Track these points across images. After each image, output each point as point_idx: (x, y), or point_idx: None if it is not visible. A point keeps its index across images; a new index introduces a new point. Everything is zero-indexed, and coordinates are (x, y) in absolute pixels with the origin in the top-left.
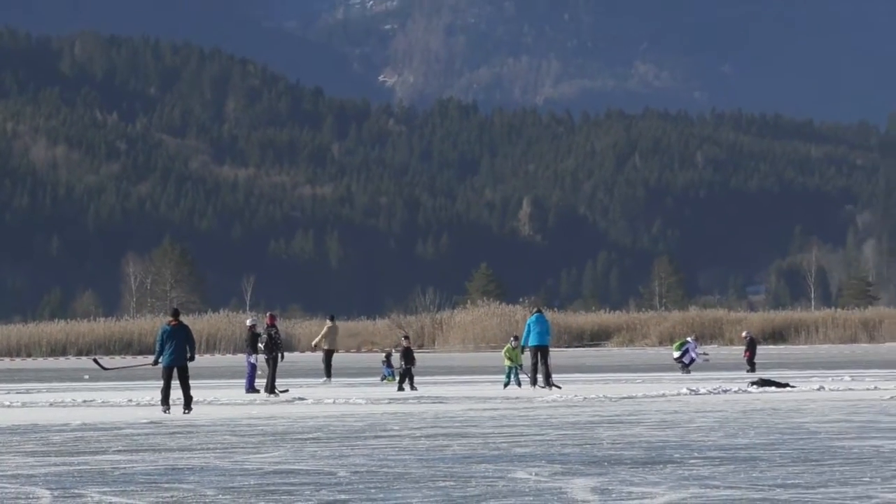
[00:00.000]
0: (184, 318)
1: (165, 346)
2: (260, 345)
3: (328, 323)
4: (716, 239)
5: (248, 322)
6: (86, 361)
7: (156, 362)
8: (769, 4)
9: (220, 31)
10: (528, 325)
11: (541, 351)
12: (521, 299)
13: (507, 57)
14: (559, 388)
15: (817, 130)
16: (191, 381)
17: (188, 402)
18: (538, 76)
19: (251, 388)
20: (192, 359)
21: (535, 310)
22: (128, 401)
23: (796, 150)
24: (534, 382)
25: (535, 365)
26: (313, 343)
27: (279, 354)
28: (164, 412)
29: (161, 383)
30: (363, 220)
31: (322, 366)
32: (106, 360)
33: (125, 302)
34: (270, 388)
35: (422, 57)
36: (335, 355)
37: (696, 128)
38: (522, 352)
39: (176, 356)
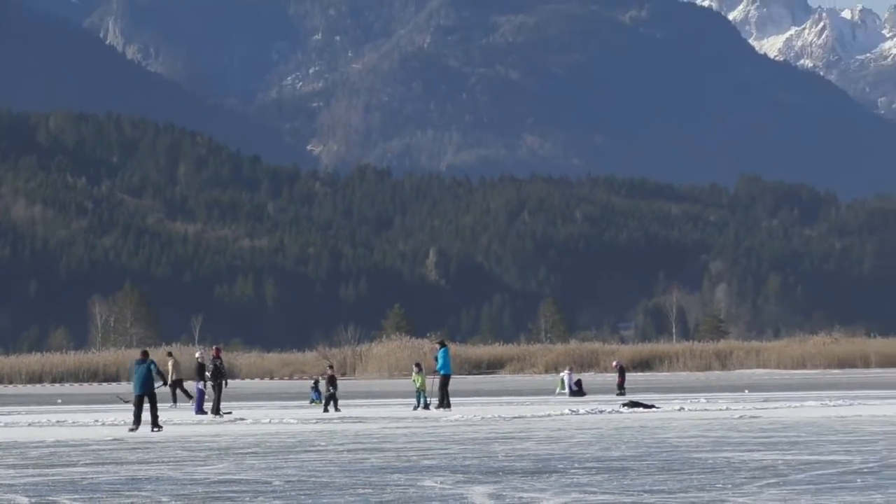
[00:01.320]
0: (138, 352)
1: (135, 377)
2: (207, 373)
3: (171, 359)
4: (592, 283)
5: (196, 355)
6: (60, 389)
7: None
8: (633, 87)
9: (172, 109)
10: (436, 357)
11: (444, 378)
12: (427, 334)
13: (416, 130)
14: (449, 409)
15: (676, 191)
16: (145, 406)
17: (155, 422)
18: (442, 146)
19: (199, 411)
20: (164, 384)
21: (440, 344)
22: (94, 421)
23: (659, 208)
24: (443, 405)
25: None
26: (167, 380)
27: (223, 381)
28: (132, 430)
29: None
30: (294, 268)
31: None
32: (81, 387)
33: (92, 337)
34: (216, 410)
35: (343, 130)
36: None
37: (575, 189)
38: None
39: (144, 386)
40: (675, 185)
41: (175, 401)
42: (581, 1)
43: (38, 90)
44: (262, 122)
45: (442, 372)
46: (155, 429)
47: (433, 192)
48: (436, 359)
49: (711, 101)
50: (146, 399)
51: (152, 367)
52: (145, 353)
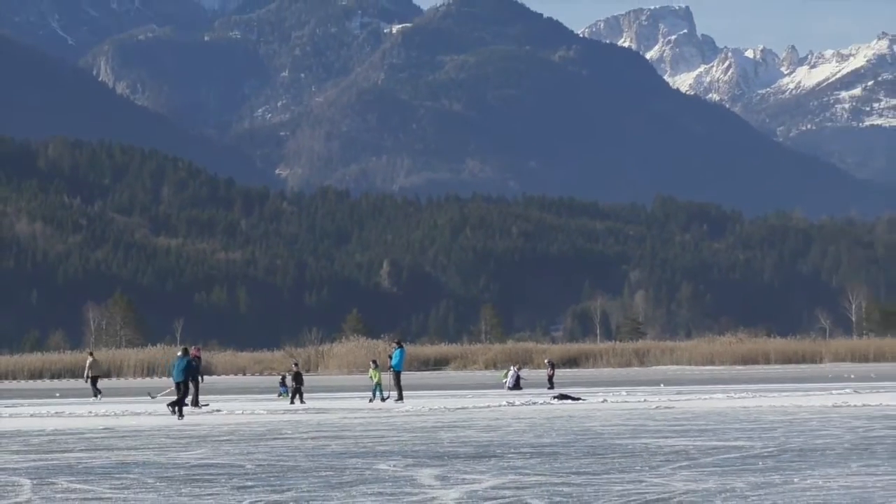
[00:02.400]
0: (129, 352)
1: (175, 369)
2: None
3: (90, 358)
4: (526, 290)
5: (178, 354)
6: (58, 384)
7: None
8: (562, 117)
9: (156, 138)
10: (391, 355)
11: (396, 374)
12: (382, 335)
13: (371, 156)
14: (402, 401)
15: (600, 210)
16: (136, 398)
17: (196, 401)
18: (394, 170)
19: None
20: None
21: (397, 344)
22: (88, 412)
23: (585, 224)
24: (400, 398)
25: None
26: (84, 376)
27: (200, 377)
28: (180, 419)
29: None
30: (264, 277)
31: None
32: (76, 383)
33: (86, 339)
34: (195, 403)
35: (307, 156)
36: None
37: (511, 208)
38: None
39: (183, 373)
40: (600, 204)
41: (95, 394)
42: (516, 42)
43: (38, 121)
44: (235, 149)
45: (395, 369)
46: (198, 407)
47: (386, 210)
48: (390, 357)
49: (631, 130)
50: (184, 385)
51: (191, 363)
52: (185, 350)
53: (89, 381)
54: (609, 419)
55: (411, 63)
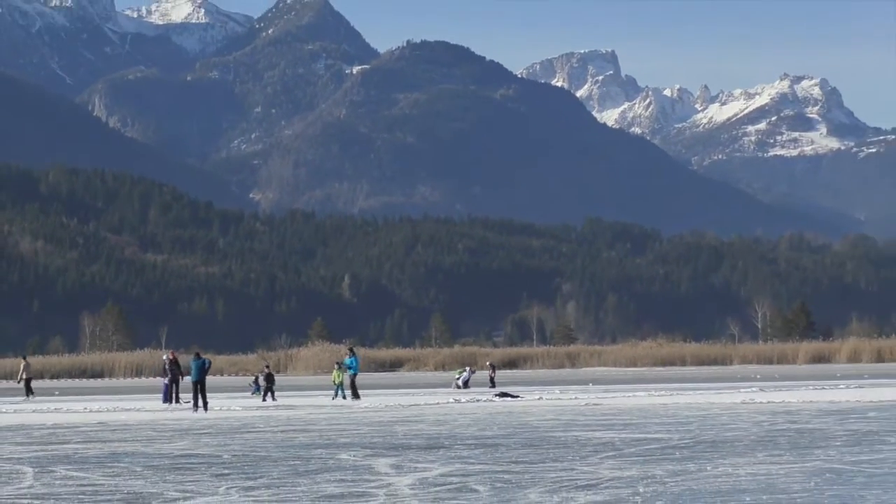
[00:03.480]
0: (119, 355)
1: (192, 370)
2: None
3: (23, 362)
4: (471, 301)
5: (164, 357)
6: (57, 383)
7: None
8: (503, 148)
9: (144, 166)
10: (342, 361)
11: (352, 377)
12: (343, 340)
13: (334, 182)
14: (359, 399)
15: (536, 229)
16: (124, 396)
17: (205, 402)
18: (354, 194)
19: (166, 400)
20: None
21: (350, 351)
22: (84, 409)
23: (523, 242)
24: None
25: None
26: (17, 378)
27: (180, 378)
28: (193, 412)
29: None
30: (239, 289)
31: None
32: (74, 382)
33: (82, 343)
34: (176, 400)
35: (278, 182)
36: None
37: (458, 228)
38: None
39: (198, 374)
40: (535, 225)
41: (28, 394)
42: (462, 82)
43: (40, 151)
44: (214, 176)
45: (351, 372)
46: (204, 410)
47: (347, 230)
48: (338, 363)
49: (564, 159)
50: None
51: (205, 363)
52: (198, 354)
53: (23, 382)
54: (544, 414)
55: (370, 100)
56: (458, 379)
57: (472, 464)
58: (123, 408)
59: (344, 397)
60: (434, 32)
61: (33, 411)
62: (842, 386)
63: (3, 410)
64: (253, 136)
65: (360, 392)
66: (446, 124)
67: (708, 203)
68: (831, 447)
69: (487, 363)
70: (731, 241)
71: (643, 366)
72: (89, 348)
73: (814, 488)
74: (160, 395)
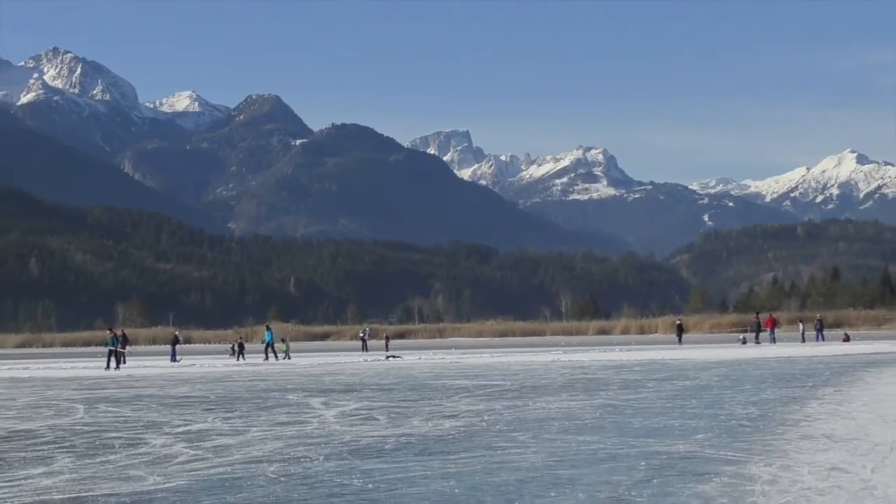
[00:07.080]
0: (141, 330)
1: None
2: (179, 342)
3: (176, 330)
4: (376, 294)
5: (176, 332)
6: (98, 349)
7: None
8: (396, 194)
9: (159, 205)
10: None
11: (267, 345)
12: (290, 321)
13: (285, 216)
14: (286, 359)
15: (418, 247)
16: (144, 357)
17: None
18: (298, 224)
19: (173, 360)
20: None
21: (266, 328)
22: (105, 367)
23: (408, 256)
24: (267, 359)
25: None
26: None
27: (129, 345)
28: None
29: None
30: (222, 287)
31: None
32: (128, 348)
33: (117, 323)
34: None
35: (247, 216)
36: None
37: (366, 246)
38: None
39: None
40: (417, 244)
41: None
42: (368, 150)
43: (88, 195)
44: (205, 212)
45: (267, 341)
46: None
47: (293, 248)
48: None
49: (437, 202)
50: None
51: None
52: (268, 327)
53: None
54: (422, 369)
55: (308, 162)
56: (362, 335)
57: (375, 402)
58: (144, 365)
59: (287, 358)
60: (351, 116)
61: (84, 367)
62: (617, 350)
63: (83, 367)
64: (230, 185)
65: (299, 355)
66: (358, 179)
67: (529, 230)
68: (610, 389)
69: (384, 335)
70: (545, 255)
71: (488, 336)
72: (120, 327)
73: (599, 416)
74: (168, 357)
